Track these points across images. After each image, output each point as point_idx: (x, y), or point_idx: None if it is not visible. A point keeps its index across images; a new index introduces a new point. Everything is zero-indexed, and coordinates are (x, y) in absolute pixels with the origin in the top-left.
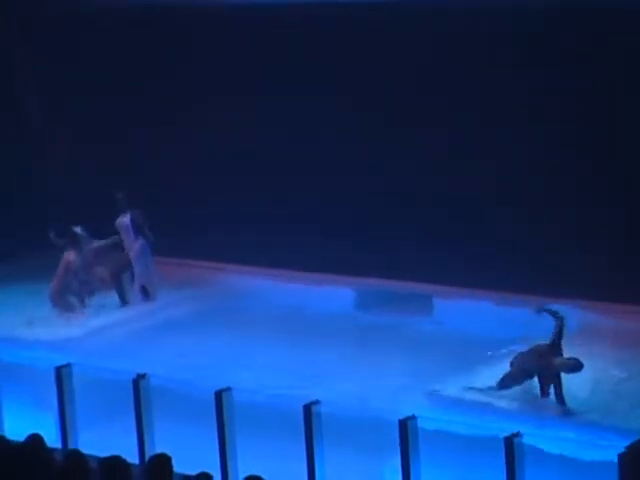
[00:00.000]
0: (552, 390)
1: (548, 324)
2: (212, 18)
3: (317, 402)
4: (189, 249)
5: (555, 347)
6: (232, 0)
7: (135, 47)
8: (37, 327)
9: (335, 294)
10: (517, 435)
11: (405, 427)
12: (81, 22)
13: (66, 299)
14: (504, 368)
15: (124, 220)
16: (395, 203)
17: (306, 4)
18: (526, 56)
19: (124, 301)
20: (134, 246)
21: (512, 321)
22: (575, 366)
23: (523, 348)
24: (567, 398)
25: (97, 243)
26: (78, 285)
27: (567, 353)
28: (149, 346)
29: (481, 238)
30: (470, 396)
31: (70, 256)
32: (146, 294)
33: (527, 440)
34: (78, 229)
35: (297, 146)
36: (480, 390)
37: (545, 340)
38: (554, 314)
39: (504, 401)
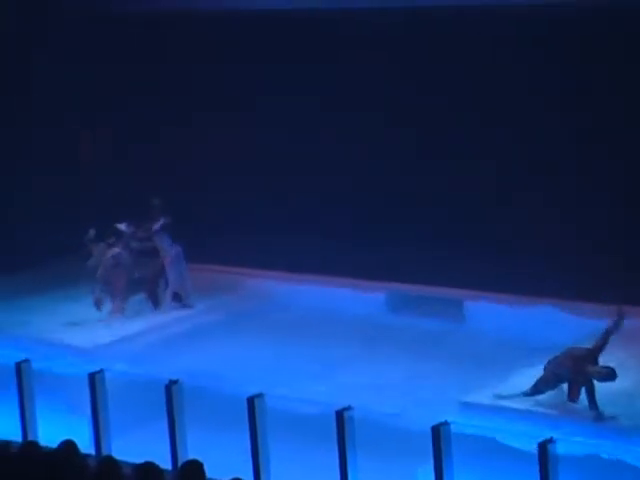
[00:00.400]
0: (583, 395)
1: (576, 328)
2: (228, 22)
3: (349, 408)
4: (216, 255)
5: (593, 354)
6: (253, 5)
7: (157, 51)
8: (68, 332)
9: (363, 298)
10: (550, 441)
11: (438, 433)
12: (109, 25)
13: (122, 298)
14: (536, 373)
15: (158, 226)
16: (422, 205)
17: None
18: (525, 56)
19: (157, 307)
20: (170, 252)
21: (545, 326)
22: (609, 375)
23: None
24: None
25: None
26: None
27: None
28: (180, 353)
29: (504, 241)
30: (503, 402)
31: (116, 252)
32: (179, 300)
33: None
34: (123, 226)
35: (317, 148)
36: (513, 396)
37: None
38: (618, 321)
39: (539, 407)
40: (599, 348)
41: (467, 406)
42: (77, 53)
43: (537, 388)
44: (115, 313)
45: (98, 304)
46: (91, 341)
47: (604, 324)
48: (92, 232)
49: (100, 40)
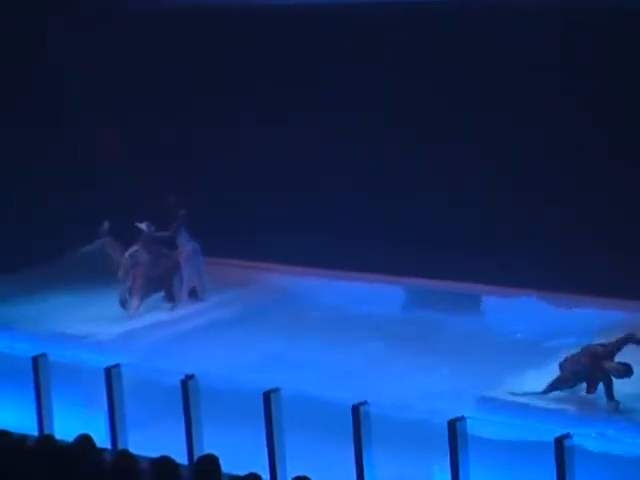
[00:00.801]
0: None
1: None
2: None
3: (365, 403)
4: (234, 249)
5: (610, 351)
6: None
7: (171, 49)
8: (85, 326)
9: (380, 294)
10: (567, 436)
11: (454, 428)
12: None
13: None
14: (551, 370)
15: (178, 222)
16: (439, 204)
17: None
18: (531, 58)
19: (173, 302)
20: (187, 248)
21: (559, 322)
22: (626, 371)
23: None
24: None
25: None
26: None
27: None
28: (195, 347)
29: (527, 238)
30: (519, 399)
31: (134, 250)
32: (194, 295)
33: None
34: (144, 225)
35: (337, 149)
36: (529, 394)
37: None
38: None
39: (552, 402)
40: (616, 346)
41: (486, 400)
42: (91, 52)
43: (554, 386)
44: (131, 312)
45: (124, 303)
46: (105, 334)
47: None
48: (106, 224)
49: (116, 38)
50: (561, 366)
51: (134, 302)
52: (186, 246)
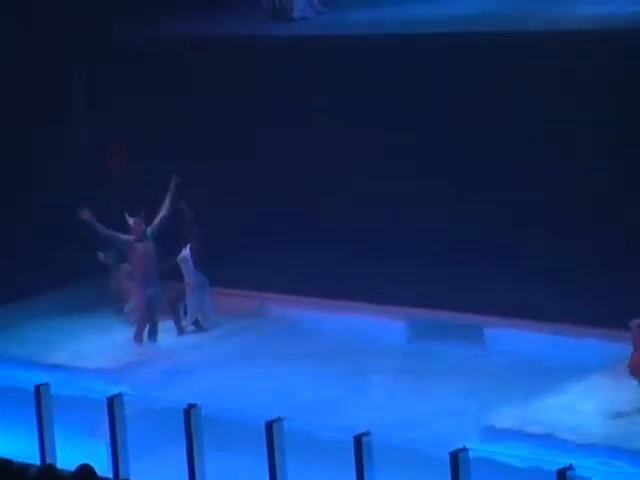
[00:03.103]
0: None
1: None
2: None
3: (367, 434)
4: (238, 278)
5: None
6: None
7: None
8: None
9: (385, 324)
10: (569, 468)
11: (456, 459)
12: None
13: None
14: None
15: (185, 253)
16: (443, 234)
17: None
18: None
19: (180, 329)
20: (191, 281)
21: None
22: None
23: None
24: None
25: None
26: None
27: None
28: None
29: (529, 266)
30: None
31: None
32: (198, 326)
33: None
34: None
35: (348, 175)
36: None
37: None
38: None
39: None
40: None
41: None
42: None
43: None
44: (136, 340)
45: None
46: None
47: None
48: (101, 255)
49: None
50: None
51: (138, 330)
52: (191, 280)
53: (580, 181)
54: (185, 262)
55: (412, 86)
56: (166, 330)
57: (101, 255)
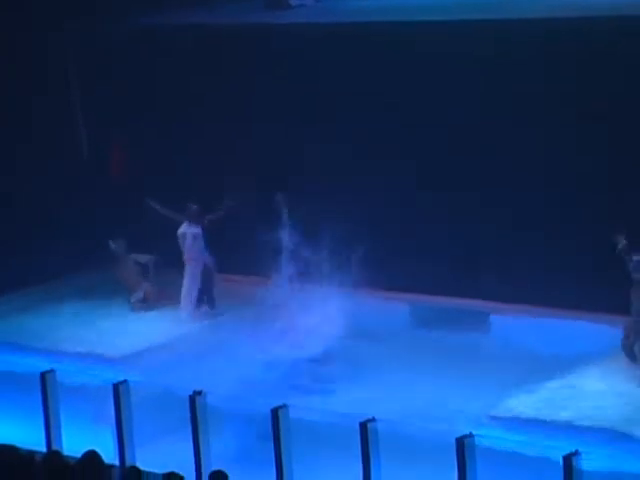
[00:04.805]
0: None
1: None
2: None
3: (373, 420)
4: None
5: None
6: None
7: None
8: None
9: (391, 310)
10: (575, 454)
11: (462, 445)
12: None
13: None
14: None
15: (185, 229)
16: (446, 220)
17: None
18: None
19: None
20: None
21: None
22: None
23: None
24: None
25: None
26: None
27: None
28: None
29: (533, 254)
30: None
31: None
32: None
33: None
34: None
35: (365, 165)
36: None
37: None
38: None
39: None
40: None
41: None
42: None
43: None
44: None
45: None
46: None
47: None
48: (112, 244)
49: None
50: None
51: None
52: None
53: (574, 174)
54: (182, 237)
55: (411, 74)
56: (172, 319)
57: (112, 244)
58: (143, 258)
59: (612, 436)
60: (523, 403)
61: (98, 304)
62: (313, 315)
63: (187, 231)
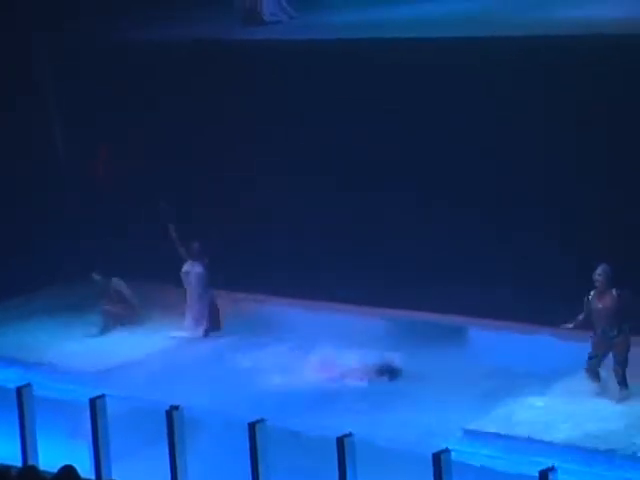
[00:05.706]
0: None
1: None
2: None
3: (350, 435)
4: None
5: None
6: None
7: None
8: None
9: (367, 326)
10: (551, 469)
11: (438, 461)
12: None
13: None
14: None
15: (189, 267)
16: (418, 234)
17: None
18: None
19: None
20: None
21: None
22: None
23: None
24: None
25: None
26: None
27: None
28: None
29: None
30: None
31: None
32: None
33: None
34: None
35: (320, 182)
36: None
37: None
38: None
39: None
40: None
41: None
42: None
43: None
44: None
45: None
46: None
47: None
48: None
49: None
50: None
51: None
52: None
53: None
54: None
55: (383, 91)
56: (155, 331)
57: (95, 275)
58: (121, 285)
59: (585, 453)
60: (498, 418)
61: (74, 317)
62: None
63: (190, 270)
